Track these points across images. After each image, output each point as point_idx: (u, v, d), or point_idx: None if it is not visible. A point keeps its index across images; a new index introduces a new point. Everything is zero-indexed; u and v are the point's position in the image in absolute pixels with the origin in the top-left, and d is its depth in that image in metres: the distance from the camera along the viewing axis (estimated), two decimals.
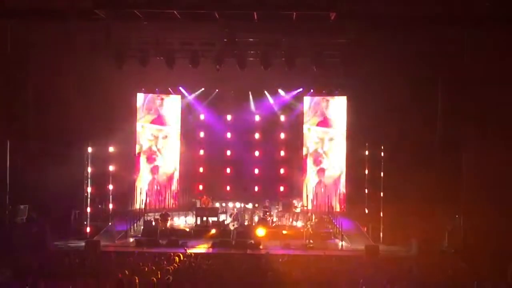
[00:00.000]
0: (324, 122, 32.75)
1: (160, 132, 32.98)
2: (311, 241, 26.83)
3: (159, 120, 32.94)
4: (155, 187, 32.79)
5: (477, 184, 25.43)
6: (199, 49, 27.09)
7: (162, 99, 32.89)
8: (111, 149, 29.94)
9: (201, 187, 33.22)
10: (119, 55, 26.58)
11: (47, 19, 24.81)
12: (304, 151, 33.02)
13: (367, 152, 29.78)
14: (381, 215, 27.91)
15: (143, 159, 32.65)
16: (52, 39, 26.68)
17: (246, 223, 29.14)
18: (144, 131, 32.58)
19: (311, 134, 32.90)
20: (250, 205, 30.02)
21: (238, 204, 30.73)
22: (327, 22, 23.40)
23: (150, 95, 32.55)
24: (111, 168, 29.99)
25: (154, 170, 32.89)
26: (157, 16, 23.56)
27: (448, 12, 23.39)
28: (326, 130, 32.68)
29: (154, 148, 32.88)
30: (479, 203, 25.28)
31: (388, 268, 20.37)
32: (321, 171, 32.75)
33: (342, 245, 26.95)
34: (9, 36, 26.07)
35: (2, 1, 23.71)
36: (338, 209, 31.76)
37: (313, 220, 28.00)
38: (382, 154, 28.49)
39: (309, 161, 32.96)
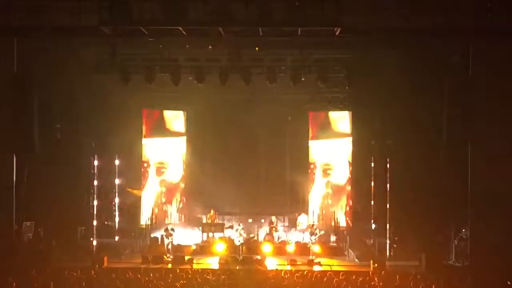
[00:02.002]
0: (331, 134, 32.67)
1: (168, 145, 32.95)
2: (313, 257, 26.80)
3: (165, 133, 33.00)
4: (162, 199, 32.77)
5: (484, 197, 25.33)
6: (205, 65, 27.12)
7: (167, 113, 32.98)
8: (117, 162, 30.02)
9: (206, 201, 33.05)
10: (124, 71, 26.65)
11: (52, 36, 24.87)
12: (311, 164, 32.99)
13: (372, 165, 29.77)
14: (388, 229, 27.85)
15: (152, 171, 32.63)
16: (57, 55, 26.76)
17: (252, 238, 29.11)
18: (152, 145, 32.58)
19: (320, 146, 32.77)
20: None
21: (244, 220, 30.62)
22: (332, 37, 23.42)
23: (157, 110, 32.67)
24: (117, 182, 30.04)
25: (163, 183, 32.88)
26: (162, 32, 23.63)
27: (452, 25, 23.39)
28: (335, 142, 32.53)
29: (163, 160, 32.89)
30: (486, 217, 25.19)
31: (395, 283, 20.30)
32: (329, 184, 32.68)
33: (349, 258, 26.98)
34: (15, 52, 26.14)
35: (7, 19, 23.78)
36: (344, 224, 31.71)
37: (318, 235, 27.88)
38: (388, 166, 28.48)
39: (318, 173, 32.84)
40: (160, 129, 32.93)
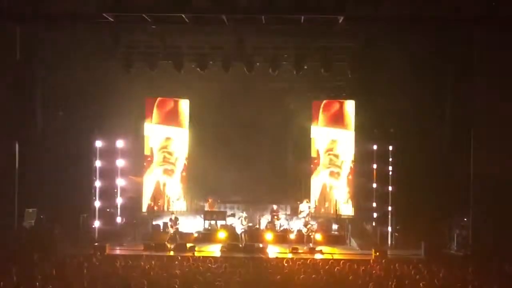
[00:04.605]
0: (335, 123, 32.54)
1: (173, 134, 32.87)
2: (310, 244, 26.83)
3: (170, 122, 32.95)
4: (164, 187, 32.73)
5: (486, 186, 25.33)
6: (207, 53, 27.06)
7: (174, 101, 32.87)
8: (119, 147, 30.07)
9: (208, 189, 33.00)
10: (127, 58, 26.61)
11: (54, 23, 24.85)
12: (313, 153, 32.89)
13: (375, 154, 29.75)
14: (389, 218, 27.87)
15: (155, 158, 32.57)
16: (60, 42, 26.75)
17: (254, 226, 29.14)
18: (157, 133, 32.53)
19: (322, 133, 32.64)
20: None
21: (246, 208, 30.60)
22: (335, 26, 23.37)
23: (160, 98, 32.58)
24: (119, 167, 30.10)
25: (165, 171, 32.83)
26: (165, 20, 23.57)
27: (456, 13, 23.33)
28: (339, 131, 32.43)
29: (167, 148, 32.82)
30: (488, 206, 25.21)
31: (397, 272, 20.31)
32: (332, 174, 32.60)
33: (350, 247, 27.05)
34: (18, 39, 26.12)
35: (10, 6, 23.77)
36: (346, 213, 31.69)
37: (313, 224, 27.85)
38: (390, 155, 28.48)
39: (320, 161, 32.75)
40: (172, 117, 32.87)
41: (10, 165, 26.18)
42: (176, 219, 28.06)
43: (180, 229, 28.07)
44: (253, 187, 32.50)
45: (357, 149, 31.75)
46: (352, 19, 23.03)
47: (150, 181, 32.25)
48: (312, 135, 32.62)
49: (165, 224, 28.64)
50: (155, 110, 32.29)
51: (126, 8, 22.54)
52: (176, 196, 32.63)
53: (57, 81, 27.83)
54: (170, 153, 32.79)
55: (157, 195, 32.30)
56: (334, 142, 32.38)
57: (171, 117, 32.71)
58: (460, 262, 23.59)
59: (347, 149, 32.07)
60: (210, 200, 30.53)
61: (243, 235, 27.61)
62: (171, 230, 27.69)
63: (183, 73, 27.35)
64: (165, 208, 32.05)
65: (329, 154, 32.62)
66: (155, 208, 31.39)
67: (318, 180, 32.56)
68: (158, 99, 32.21)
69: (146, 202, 31.70)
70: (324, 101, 32.45)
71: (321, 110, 32.50)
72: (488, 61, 25.25)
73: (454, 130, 27.40)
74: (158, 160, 32.44)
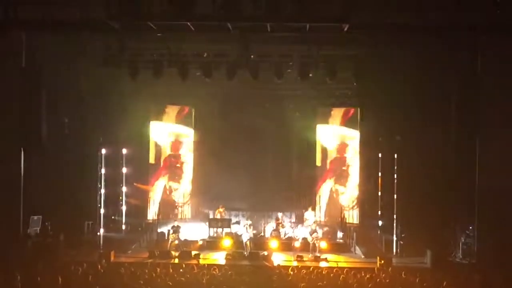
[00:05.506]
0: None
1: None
2: (316, 253, 26.78)
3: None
4: (170, 194, 32.80)
5: (491, 194, 25.29)
6: (212, 60, 27.07)
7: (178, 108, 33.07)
8: (124, 156, 30.15)
9: (213, 196, 33.00)
10: (132, 66, 26.64)
11: (60, 30, 24.89)
12: (318, 162, 32.93)
13: (380, 162, 29.72)
14: (395, 226, 27.83)
15: (162, 166, 32.65)
16: (65, 49, 26.79)
17: (259, 234, 29.10)
18: (167, 135, 32.73)
19: (333, 133, 32.74)
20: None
21: (251, 215, 30.57)
22: (340, 34, 23.38)
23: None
24: (124, 174, 30.14)
25: (171, 178, 32.93)
26: (170, 27, 23.60)
27: (460, 21, 23.31)
28: (350, 131, 32.51)
29: (175, 155, 32.98)
30: (493, 215, 25.16)
31: (402, 280, 20.29)
32: (339, 179, 32.66)
33: (355, 255, 27.00)
34: (24, 46, 26.18)
35: (16, 13, 23.80)
36: (351, 221, 31.69)
37: (318, 233, 27.79)
38: (395, 163, 28.43)
39: (326, 169, 32.78)
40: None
41: (15, 172, 26.18)
42: (178, 227, 27.93)
43: (181, 237, 27.91)
44: (258, 195, 32.48)
45: (362, 156, 31.78)
46: (357, 27, 23.02)
47: (157, 187, 32.32)
48: (318, 136, 32.69)
49: (169, 231, 28.61)
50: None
51: (132, 16, 22.57)
52: (181, 203, 32.69)
53: (62, 88, 27.87)
54: (177, 156, 32.93)
55: (163, 202, 32.36)
56: (343, 143, 32.47)
57: (180, 119, 32.94)
58: (465, 270, 23.54)
59: (354, 153, 32.16)
60: (221, 209, 30.36)
61: (248, 243, 27.55)
62: (172, 238, 27.53)
63: (188, 80, 27.34)
64: (171, 215, 32.13)
65: (336, 158, 32.72)
66: (161, 215, 31.43)
67: (324, 187, 32.60)
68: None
69: (152, 209, 31.74)
70: (329, 109, 32.62)
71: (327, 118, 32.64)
72: (493, 67, 25.24)
73: (460, 138, 27.33)
74: (163, 167, 32.53)
